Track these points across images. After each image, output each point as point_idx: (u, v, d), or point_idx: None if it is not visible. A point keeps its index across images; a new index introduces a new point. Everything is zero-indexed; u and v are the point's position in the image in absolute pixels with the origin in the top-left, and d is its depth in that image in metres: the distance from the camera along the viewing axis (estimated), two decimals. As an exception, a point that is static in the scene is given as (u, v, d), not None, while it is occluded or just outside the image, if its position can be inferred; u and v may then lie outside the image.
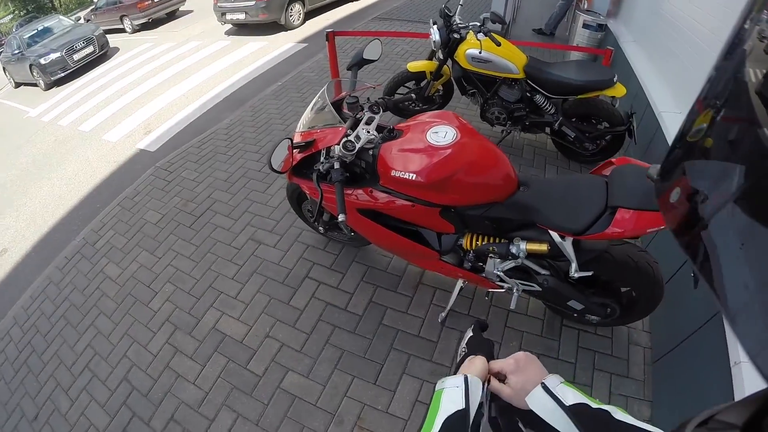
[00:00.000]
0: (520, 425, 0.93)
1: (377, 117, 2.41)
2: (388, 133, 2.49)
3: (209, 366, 3.03)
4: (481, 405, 0.88)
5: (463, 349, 1.09)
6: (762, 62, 0.44)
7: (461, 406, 0.84)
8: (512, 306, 2.62)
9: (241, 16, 10.68)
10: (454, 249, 2.63)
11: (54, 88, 11.82)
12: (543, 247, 2.25)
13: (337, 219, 2.74)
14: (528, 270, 2.46)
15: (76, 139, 7.98)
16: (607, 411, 0.77)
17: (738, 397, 1.61)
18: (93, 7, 18.43)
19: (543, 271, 2.42)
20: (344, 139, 2.24)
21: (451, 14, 4.22)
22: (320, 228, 3.48)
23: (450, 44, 4.18)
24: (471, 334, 1.14)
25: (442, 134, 2.28)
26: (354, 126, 2.39)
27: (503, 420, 0.95)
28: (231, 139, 5.70)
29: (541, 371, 0.92)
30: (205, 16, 14.31)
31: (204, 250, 3.98)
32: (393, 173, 2.29)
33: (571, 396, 0.82)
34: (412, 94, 4.76)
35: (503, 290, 2.63)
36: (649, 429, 0.71)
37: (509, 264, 2.43)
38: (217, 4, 11.00)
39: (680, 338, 2.39)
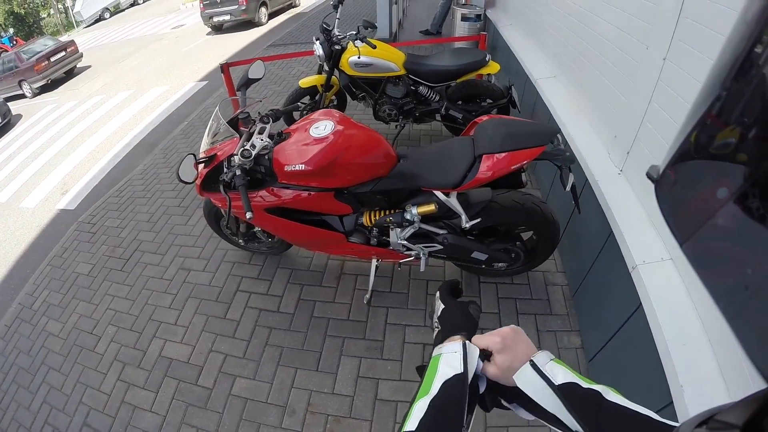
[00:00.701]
0: (503, 401, 0.91)
1: (268, 126, 2.68)
2: (278, 137, 2.77)
3: (162, 391, 3.19)
4: (475, 373, 0.88)
5: (436, 325, 1.04)
6: None
7: (460, 370, 0.84)
8: (422, 269, 2.90)
9: (227, 17, 14.06)
10: (357, 228, 2.92)
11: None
12: (431, 207, 2.55)
13: (251, 225, 3.21)
14: (427, 234, 2.75)
15: (-7, 211, 7.84)
16: (597, 391, 0.75)
17: (644, 299, 1.89)
18: None
19: (441, 231, 2.72)
20: (241, 149, 2.47)
21: (329, 28, 4.51)
22: (240, 241, 3.71)
23: (333, 55, 4.47)
24: (442, 305, 1.06)
25: (322, 127, 2.60)
26: (249, 137, 2.62)
27: (489, 397, 0.90)
28: (147, 183, 5.85)
29: (528, 347, 0.89)
30: (104, 70, 14.34)
31: (138, 288, 4.13)
32: (286, 168, 2.56)
33: (561, 374, 0.80)
34: (308, 107, 5.01)
35: (412, 258, 2.93)
36: (641, 410, 0.70)
37: (409, 231, 2.73)
38: (204, 11, 14.30)
39: (587, 268, 2.72)
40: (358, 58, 4.34)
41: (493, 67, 4.29)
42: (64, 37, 20.29)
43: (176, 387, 3.19)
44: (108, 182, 6.83)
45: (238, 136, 2.71)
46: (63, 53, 15.39)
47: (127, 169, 6.78)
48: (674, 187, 0.64)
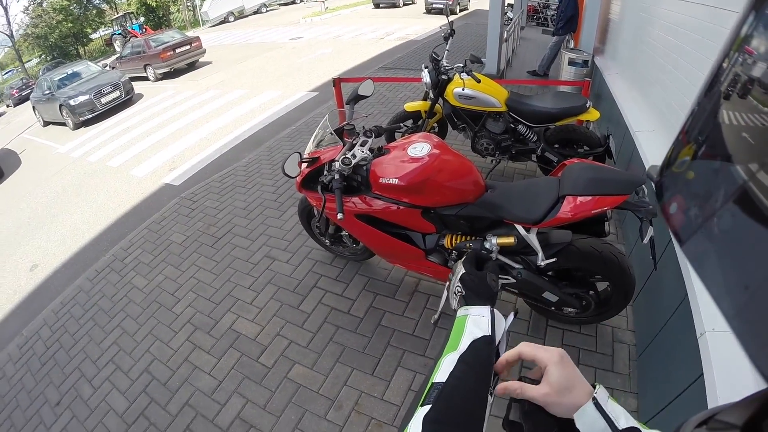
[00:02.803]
0: None
1: (370, 140, 2.87)
2: (378, 151, 2.94)
3: (224, 359, 3.39)
4: (499, 342, 0.84)
5: (458, 288, 0.99)
6: (735, 105, 0.49)
7: (488, 332, 0.82)
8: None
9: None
10: (437, 249, 2.98)
11: (82, 128, 12.53)
12: (511, 240, 2.58)
13: (342, 228, 3.40)
14: (503, 266, 2.74)
15: (104, 173, 8.61)
16: None
17: (706, 368, 1.76)
18: (118, 55, 19.62)
19: (516, 265, 2.70)
20: (342, 156, 2.68)
21: (439, 58, 4.66)
22: (326, 241, 3.87)
23: (439, 85, 4.60)
24: (463, 269, 1.01)
25: (419, 148, 2.74)
26: (351, 147, 2.82)
27: (529, 425, 0.74)
28: (249, 175, 6.24)
29: (582, 379, 0.77)
30: (223, 67, 15.40)
31: (224, 265, 4.41)
32: (381, 180, 2.74)
33: (624, 418, 0.71)
34: (409, 130, 5.14)
35: None
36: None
37: None
38: None
39: (657, 330, 2.60)
40: (463, 90, 4.41)
41: (592, 114, 4.24)
42: (190, 33, 21.71)
43: (238, 359, 3.37)
44: (213, 167, 7.33)
45: (341, 143, 2.93)
46: (188, 47, 16.62)
47: (233, 160, 7.28)
48: (674, 187, 0.64)
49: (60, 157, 10.62)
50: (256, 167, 6.47)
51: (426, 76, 4.63)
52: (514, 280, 2.69)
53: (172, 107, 11.80)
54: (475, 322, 0.86)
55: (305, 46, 17.05)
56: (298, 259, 4.29)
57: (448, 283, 1.07)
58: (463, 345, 0.81)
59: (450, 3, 23.26)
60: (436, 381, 0.74)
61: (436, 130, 5.35)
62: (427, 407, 0.69)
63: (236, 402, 3.07)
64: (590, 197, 2.33)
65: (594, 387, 0.75)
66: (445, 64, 4.65)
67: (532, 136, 4.49)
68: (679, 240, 0.58)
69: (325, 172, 2.92)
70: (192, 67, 16.95)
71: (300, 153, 2.89)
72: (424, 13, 23.04)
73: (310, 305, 3.73)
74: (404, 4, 27.00)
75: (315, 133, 3.28)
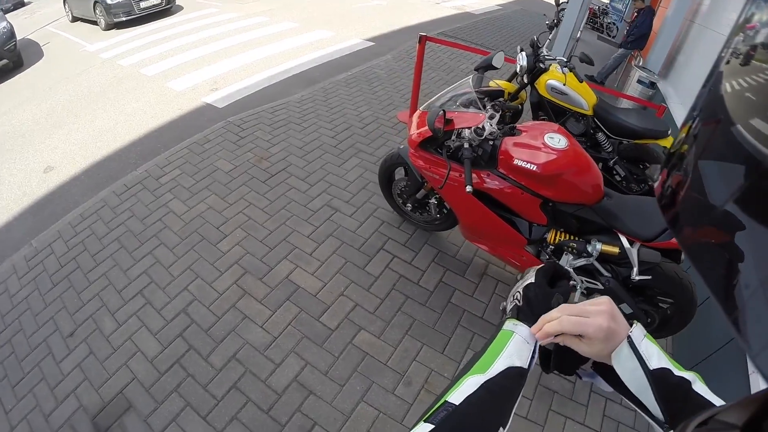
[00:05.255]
0: (580, 374, 0.85)
1: (497, 115, 2.83)
2: (509, 130, 2.86)
3: (280, 312, 3.05)
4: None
5: (518, 295, 0.92)
6: (737, 73, 0.47)
7: (525, 365, 0.79)
8: (576, 299, 2.78)
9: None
10: (538, 240, 2.95)
11: (113, 30, 11.74)
12: (615, 249, 2.62)
13: (431, 196, 3.40)
14: (593, 271, 2.80)
15: (137, 79, 7.99)
16: (688, 380, 0.72)
17: None
18: None
19: (606, 273, 2.76)
20: (475, 126, 2.66)
21: (540, 45, 4.51)
22: (408, 205, 3.66)
23: (534, 71, 4.44)
24: (532, 279, 0.92)
25: (556, 140, 2.69)
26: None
27: (567, 360, 0.82)
28: (304, 113, 5.77)
29: (624, 322, 0.79)
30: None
31: (278, 206, 4.01)
32: (515, 161, 2.66)
33: (656, 357, 0.73)
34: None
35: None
36: (721, 404, 0.65)
37: (581, 261, 2.77)
38: None
39: (701, 357, 2.75)
40: (562, 84, 4.35)
41: (669, 141, 4.22)
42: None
43: (296, 315, 3.05)
44: (260, 97, 6.79)
45: (483, 112, 2.78)
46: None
47: (284, 93, 6.74)
48: (674, 187, 0.57)
49: (88, 56, 9.90)
50: (311, 106, 5.97)
51: (523, 59, 4.38)
52: (602, 287, 2.76)
53: (214, 26, 11.08)
54: (518, 347, 0.80)
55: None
56: (363, 215, 3.94)
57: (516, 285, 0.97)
58: (495, 370, 0.75)
59: None
60: (450, 401, 0.69)
61: (510, 114, 5.11)
62: (430, 427, 0.65)
63: (293, 363, 2.79)
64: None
65: (631, 325, 0.76)
66: (545, 53, 4.52)
67: (607, 146, 4.51)
68: (678, 240, 0.50)
69: (453, 138, 2.83)
70: (239, -13, 16.00)
71: (444, 111, 2.70)
72: None
73: (377, 268, 3.43)
74: None
75: (446, 91, 3.06)
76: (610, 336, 0.75)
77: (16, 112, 7.40)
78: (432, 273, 3.46)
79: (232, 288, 3.23)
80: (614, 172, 4.52)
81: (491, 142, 2.80)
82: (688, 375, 0.73)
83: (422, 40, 5.37)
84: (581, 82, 4.34)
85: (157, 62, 8.71)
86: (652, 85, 6.75)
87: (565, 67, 4.26)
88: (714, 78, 0.51)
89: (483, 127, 2.67)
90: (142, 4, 11.89)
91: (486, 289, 3.40)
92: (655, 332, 2.93)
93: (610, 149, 4.49)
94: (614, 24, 15.39)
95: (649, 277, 2.61)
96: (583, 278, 2.86)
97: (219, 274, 3.35)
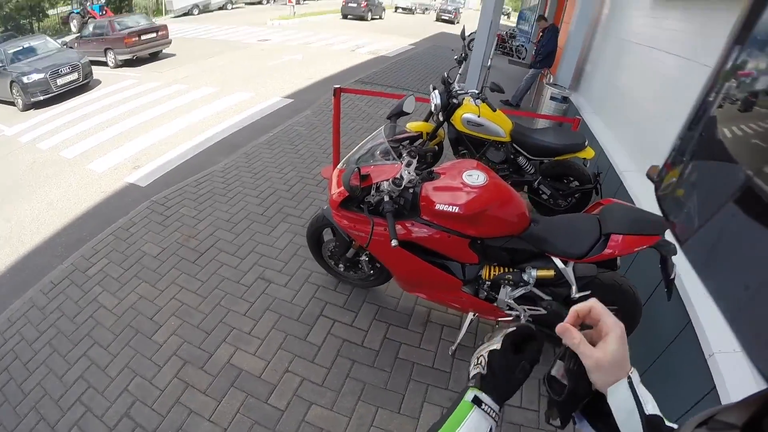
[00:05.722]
0: (574, 415, 0.81)
1: (415, 161, 2.73)
2: (427, 175, 2.84)
3: (226, 401, 2.96)
4: None
5: (481, 363, 0.91)
6: (737, 119, 0.48)
7: None
8: None
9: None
10: (473, 280, 2.95)
11: (32, 110, 11.49)
12: (550, 273, 2.68)
13: (361, 253, 3.38)
14: (534, 298, 2.84)
15: (58, 164, 7.80)
16: None
17: (719, 384, 2.00)
18: (78, 34, 18.42)
19: (546, 297, 2.82)
20: (392, 177, 2.64)
21: (451, 81, 4.64)
22: (341, 266, 3.65)
23: (448, 108, 4.55)
24: (498, 344, 0.90)
25: (475, 177, 2.74)
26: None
27: (571, 383, 0.78)
28: (228, 182, 5.75)
29: (628, 361, 0.77)
30: (189, 61, 14.64)
31: (211, 285, 3.93)
32: (437, 207, 2.68)
33: (651, 403, 0.73)
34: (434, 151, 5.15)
35: (511, 318, 2.95)
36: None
37: (519, 291, 2.81)
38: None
39: (656, 353, 2.84)
40: (477, 117, 4.46)
41: (589, 153, 4.46)
42: (153, 20, 20.81)
43: (243, 401, 2.96)
44: (184, 170, 6.74)
45: (398, 163, 2.78)
46: (154, 35, 15.51)
47: (206, 163, 6.72)
48: (674, 187, 0.61)
49: (6, 141, 9.61)
50: (234, 174, 5.97)
51: (436, 98, 4.55)
52: (545, 312, 2.83)
53: (134, 98, 11.00)
54: (476, 424, 0.79)
55: (274, 49, 16.62)
56: (298, 283, 3.92)
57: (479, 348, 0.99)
58: None
59: (456, 17, 30.09)
60: None
61: (432, 153, 5.34)
62: None
63: None
64: (633, 235, 2.58)
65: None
66: (456, 88, 4.65)
67: (529, 168, 4.67)
68: (678, 240, 0.56)
69: (373, 193, 2.80)
70: (155, 57, 16.02)
71: (359, 168, 2.75)
72: (435, 20, 28.02)
73: (319, 337, 3.41)
74: (372, 18, 28.63)
75: (359, 146, 3.12)
76: (618, 361, 0.74)
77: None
78: (375, 331, 3.45)
79: (174, 382, 3.12)
80: (540, 192, 4.66)
81: (411, 190, 2.80)
82: (675, 426, 0.72)
83: (336, 92, 5.47)
84: (495, 111, 4.46)
85: (76, 143, 8.58)
86: (565, 99, 7.05)
87: (478, 98, 4.36)
88: (705, 122, 0.53)
89: (401, 176, 2.66)
90: (59, 81, 11.81)
91: (432, 336, 3.43)
92: None
93: (532, 171, 4.65)
94: (523, 46, 16.21)
95: (589, 292, 2.65)
96: (525, 307, 2.89)
97: (158, 368, 3.23)
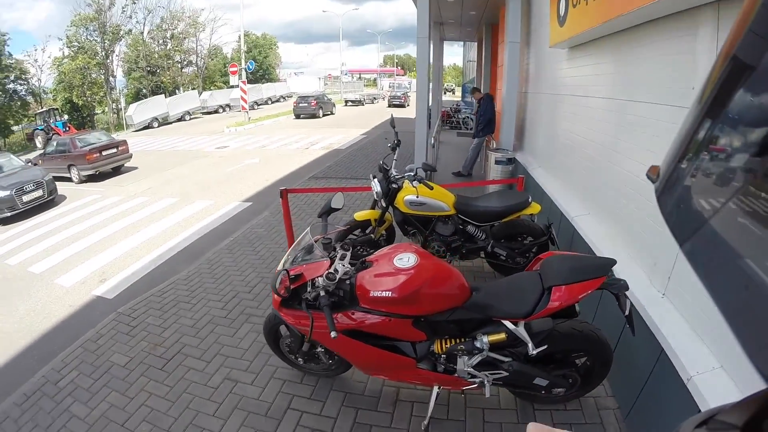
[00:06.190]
0: None
1: (349, 253, 2.91)
2: (361, 264, 3.01)
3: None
4: None
5: None
6: (713, 194, 0.53)
7: None
8: (487, 394, 2.99)
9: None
10: (427, 355, 3.02)
11: (-1, 227, 11.64)
12: (502, 336, 2.73)
13: (317, 345, 3.43)
14: (493, 362, 2.88)
15: (26, 279, 7.93)
16: None
17: (702, 406, 2.01)
18: (42, 152, 19.03)
19: (506, 359, 2.86)
20: (326, 272, 2.73)
21: (388, 168, 4.95)
22: (299, 360, 3.79)
23: (390, 193, 4.85)
24: None
25: (405, 259, 2.87)
26: (331, 262, 2.89)
27: None
28: (192, 289, 5.99)
29: None
30: (150, 174, 15.16)
31: (179, 390, 4.09)
32: (371, 294, 2.78)
33: None
34: (363, 240, 5.32)
35: (475, 385, 3.03)
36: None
37: (476, 358, 2.86)
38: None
39: (639, 387, 2.88)
40: (417, 197, 4.70)
41: (534, 208, 4.68)
42: (115, 136, 21.40)
43: None
44: (149, 281, 6.99)
45: (325, 259, 2.95)
46: (115, 150, 16.25)
47: (169, 273, 6.98)
48: (674, 188, 0.65)
49: (-26, 258, 9.69)
50: (197, 281, 6.24)
51: (376, 186, 4.84)
52: (507, 373, 2.85)
53: (98, 212, 11.33)
54: None
55: (232, 155, 17.30)
56: (264, 379, 4.09)
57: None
58: None
59: (406, 100, 32.91)
60: None
61: (385, 237, 5.56)
62: None
63: None
64: (574, 284, 2.61)
65: None
66: (394, 174, 4.93)
67: (480, 234, 4.88)
68: (678, 240, 0.62)
69: (309, 289, 2.90)
70: (117, 171, 16.53)
71: (287, 270, 2.86)
72: (387, 107, 29.80)
73: (288, 429, 3.52)
74: (324, 115, 29.91)
75: (291, 249, 3.29)
76: None
77: None
78: (344, 417, 3.53)
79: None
80: (497, 255, 4.83)
81: (348, 281, 2.90)
82: None
83: (283, 194, 5.86)
84: (431, 189, 4.64)
85: (43, 258, 8.74)
86: (510, 161, 7.41)
87: (414, 180, 4.59)
88: (680, 190, 0.59)
89: (335, 270, 2.75)
90: (25, 198, 12.06)
91: (403, 414, 3.49)
92: (584, 387, 3.09)
93: (483, 237, 4.86)
94: (469, 117, 17.09)
95: (545, 347, 2.69)
96: (486, 373, 2.92)
97: (132, 475, 3.38)
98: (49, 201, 12.92)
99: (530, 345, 2.68)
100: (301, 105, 29.90)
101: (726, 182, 0.52)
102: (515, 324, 2.71)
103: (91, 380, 4.41)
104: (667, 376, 2.50)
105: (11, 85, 37.37)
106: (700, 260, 0.59)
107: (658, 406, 2.70)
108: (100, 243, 9.13)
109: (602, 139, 4.31)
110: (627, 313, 2.58)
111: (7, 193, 11.74)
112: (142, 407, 3.96)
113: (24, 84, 38.81)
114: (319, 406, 3.70)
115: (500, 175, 7.44)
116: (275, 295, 3.07)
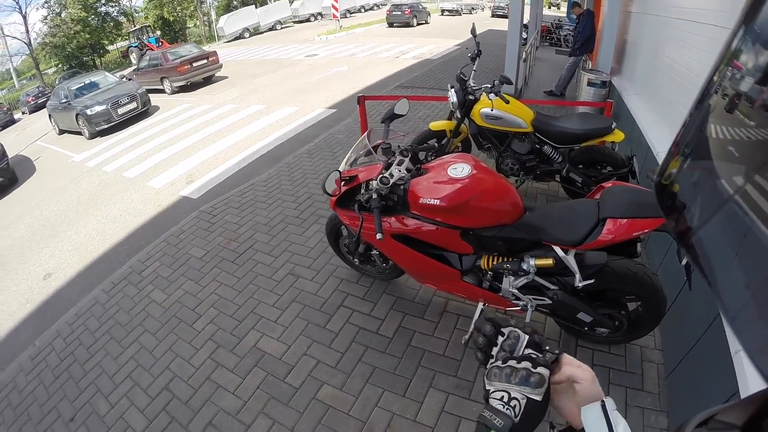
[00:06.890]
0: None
1: (406, 159, 2.88)
2: (416, 171, 2.94)
3: (249, 378, 3.29)
4: None
5: (513, 405, 0.76)
6: (723, 119, 0.50)
7: None
8: (527, 319, 2.87)
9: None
10: (473, 270, 2.98)
11: (97, 138, 12.51)
12: (549, 261, 2.58)
13: (372, 248, 3.40)
14: (539, 287, 2.77)
15: (120, 183, 8.56)
16: None
17: (742, 385, 1.82)
18: (135, 67, 19.94)
19: (552, 287, 2.73)
20: (380, 175, 2.68)
21: (466, 78, 4.67)
22: (355, 260, 3.85)
23: (466, 105, 4.61)
24: (537, 397, 0.76)
25: (459, 169, 2.73)
26: (388, 166, 2.85)
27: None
28: (270, 190, 6.19)
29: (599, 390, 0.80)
30: (239, 82, 15.50)
31: (246, 281, 4.32)
32: (421, 200, 2.72)
33: (622, 427, 0.72)
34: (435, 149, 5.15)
35: (519, 308, 2.94)
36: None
37: (522, 280, 2.75)
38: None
39: (687, 348, 2.61)
40: (491, 110, 4.43)
41: (617, 136, 4.27)
42: (207, 48, 21.94)
43: (263, 378, 3.27)
44: (231, 182, 7.29)
45: (381, 162, 2.93)
46: (205, 61, 16.76)
47: (251, 175, 7.25)
48: (674, 187, 0.64)
49: (75, 166, 10.61)
50: (275, 183, 6.42)
51: (453, 96, 4.61)
52: (550, 301, 2.74)
53: (188, 120, 11.83)
54: None
55: (321, 64, 17.15)
56: (324, 277, 4.21)
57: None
58: None
59: (506, 14, 28.30)
60: None
61: (460, 149, 5.33)
62: None
63: (263, 423, 2.97)
64: (631, 219, 2.40)
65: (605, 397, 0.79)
66: (472, 85, 4.65)
67: (557, 157, 4.53)
68: (677, 238, 0.59)
69: (363, 191, 2.91)
70: (208, 81, 17.02)
71: (339, 171, 2.84)
72: (491, 16, 28.97)
73: (338, 324, 3.65)
74: (417, 24, 28.37)
75: (350, 152, 3.25)
76: (592, 391, 0.78)
77: (15, 226, 7.98)
78: (391, 320, 3.60)
79: (207, 362, 3.50)
80: (573, 180, 4.50)
81: (402, 187, 2.84)
82: None
83: (360, 100, 5.76)
84: (507, 103, 4.32)
85: (137, 164, 9.32)
86: (604, 84, 6.84)
87: (491, 93, 4.31)
88: (702, 112, 0.57)
89: (390, 174, 2.70)
90: (120, 111, 12.74)
91: (447, 326, 3.48)
92: (630, 334, 2.92)
93: (560, 159, 4.53)
94: (571, 34, 16.01)
95: (592, 281, 2.53)
96: (530, 296, 2.82)
97: (195, 351, 3.63)
98: (143, 112, 13.64)
99: (577, 276, 2.53)
100: (394, 13, 28.52)
101: (728, 180, 0.50)
102: (565, 251, 2.56)
103: (171, 270, 4.76)
104: (716, 344, 2.20)
105: (103, 8, 38.73)
106: (701, 260, 0.56)
107: (699, 374, 2.48)
108: (189, 148, 9.56)
109: (705, 73, 3.67)
110: (684, 262, 2.29)
111: (103, 107, 12.57)
112: (211, 295, 4.24)
113: (115, 5, 40.09)
114: (370, 307, 3.77)
115: (592, 98, 6.88)
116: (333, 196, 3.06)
